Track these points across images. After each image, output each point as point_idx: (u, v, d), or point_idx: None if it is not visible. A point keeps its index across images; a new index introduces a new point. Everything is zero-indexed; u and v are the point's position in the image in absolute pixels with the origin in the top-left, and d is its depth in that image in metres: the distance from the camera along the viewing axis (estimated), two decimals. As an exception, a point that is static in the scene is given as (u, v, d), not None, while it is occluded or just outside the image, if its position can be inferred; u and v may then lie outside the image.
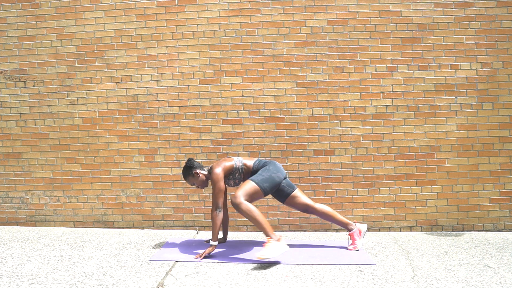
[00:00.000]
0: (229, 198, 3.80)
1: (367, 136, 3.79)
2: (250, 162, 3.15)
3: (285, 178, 3.14)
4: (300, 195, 3.16)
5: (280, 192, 3.15)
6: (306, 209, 3.17)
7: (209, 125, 3.83)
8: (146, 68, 3.85)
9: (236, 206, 2.86)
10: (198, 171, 3.09)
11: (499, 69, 3.74)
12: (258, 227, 2.84)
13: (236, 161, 3.10)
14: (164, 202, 3.87)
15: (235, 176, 3.11)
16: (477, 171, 3.77)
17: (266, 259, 2.68)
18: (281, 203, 3.46)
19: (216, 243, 2.91)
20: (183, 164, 3.83)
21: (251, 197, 2.93)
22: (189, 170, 3.10)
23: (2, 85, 3.92)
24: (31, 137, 3.92)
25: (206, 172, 3.13)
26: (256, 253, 2.84)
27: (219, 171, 2.97)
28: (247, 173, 3.14)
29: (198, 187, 3.16)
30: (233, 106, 3.82)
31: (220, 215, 2.92)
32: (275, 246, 2.73)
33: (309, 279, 2.49)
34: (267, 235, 2.81)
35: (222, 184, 2.95)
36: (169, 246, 3.23)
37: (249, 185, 2.94)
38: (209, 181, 3.13)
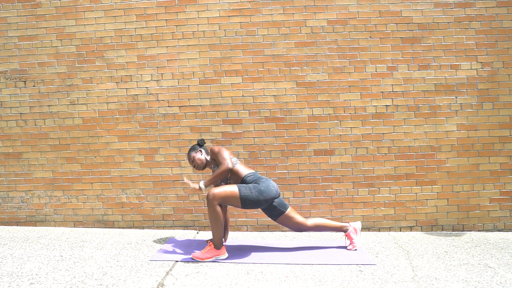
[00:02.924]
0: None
1: (367, 136, 3.79)
2: (244, 170, 3.03)
3: (277, 197, 3.01)
4: (292, 216, 3.06)
5: (271, 210, 3.05)
6: (300, 228, 3.09)
7: (209, 125, 3.83)
8: (146, 68, 3.85)
9: (209, 202, 2.81)
10: (203, 151, 3.14)
11: (499, 69, 3.74)
12: (213, 231, 2.86)
13: (231, 160, 3.03)
14: (164, 202, 3.87)
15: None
16: (477, 171, 3.77)
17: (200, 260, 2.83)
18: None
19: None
20: (183, 164, 3.83)
21: (225, 201, 2.86)
22: (196, 146, 3.16)
23: (2, 85, 3.92)
24: (31, 137, 3.92)
25: (208, 157, 3.15)
26: (194, 252, 2.91)
27: (221, 148, 3.00)
28: (236, 180, 3.03)
29: (194, 167, 3.14)
30: (233, 106, 3.82)
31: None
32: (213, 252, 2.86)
33: (309, 279, 2.49)
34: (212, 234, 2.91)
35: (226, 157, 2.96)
36: (169, 246, 3.24)
37: (231, 190, 2.85)
38: (206, 166, 3.16)
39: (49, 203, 3.93)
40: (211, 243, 2.90)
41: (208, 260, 2.84)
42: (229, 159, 2.95)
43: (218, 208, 2.83)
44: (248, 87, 3.82)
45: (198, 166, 3.13)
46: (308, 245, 3.28)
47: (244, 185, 2.91)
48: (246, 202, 2.87)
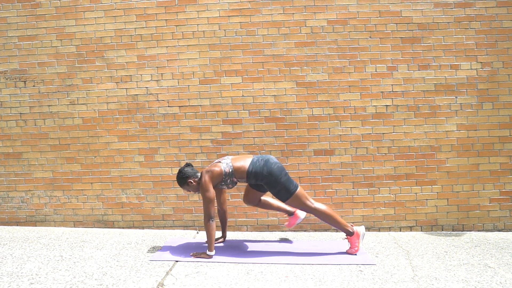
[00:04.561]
0: (228, 198, 3.80)
1: (367, 136, 3.79)
2: (243, 164, 2.97)
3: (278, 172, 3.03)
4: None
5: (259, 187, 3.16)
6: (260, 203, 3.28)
7: (209, 125, 3.83)
8: (146, 68, 3.85)
9: (314, 212, 2.98)
10: (192, 179, 3.02)
11: (499, 69, 3.74)
12: (332, 223, 3.01)
13: (225, 166, 2.96)
14: (164, 202, 3.87)
15: (227, 182, 3.01)
16: (477, 171, 3.77)
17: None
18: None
19: (213, 253, 2.90)
20: (183, 164, 3.83)
21: (305, 199, 2.96)
22: (183, 180, 3.04)
23: (2, 85, 3.92)
24: (31, 137, 3.92)
25: (198, 178, 3.05)
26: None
27: (206, 180, 2.91)
28: (242, 176, 2.99)
29: (195, 193, 3.15)
30: (233, 106, 3.82)
31: (213, 225, 2.89)
32: None
33: (309, 279, 2.49)
34: (343, 230, 3.03)
35: (211, 193, 2.89)
36: (169, 246, 3.24)
37: (296, 199, 2.95)
38: None
39: (49, 203, 3.93)
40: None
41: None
42: (211, 198, 2.90)
43: (320, 206, 2.99)
44: (248, 87, 3.82)
45: (198, 192, 3.11)
46: (308, 245, 3.28)
47: (279, 191, 2.94)
48: (293, 189, 2.96)
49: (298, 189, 2.95)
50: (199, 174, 3.07)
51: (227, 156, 3.10)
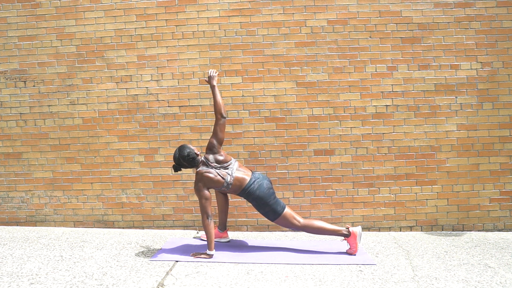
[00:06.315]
0: (229, 198, 3.80)
1: (367, 136, 3.79)
2: (245, 179, 2.99)
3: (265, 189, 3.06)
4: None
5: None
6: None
7: (209, 125, 3.83)
8: (146, 68, 3.85)
9: (303, 229, 3.04)
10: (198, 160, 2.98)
11: (499, 69, 3.74)
12: (325, 233, 3.06)
13: (229, 179, 2.96)
14: (164, 202, 3.87)
15: (228, 187, 3.01)
16: (477, 171, 3.77)
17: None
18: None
19: (213, 253, 2.90)
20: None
21: (292, 218, 3.02)
22: (181, 166, 2.98)
23: (2, 85, 3.92)
24: (31, 137, 3.92)
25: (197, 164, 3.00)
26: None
27: (201, 184, 2.91)
28: (235, 190, 3.02)
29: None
30: (233, 106, 3.82)
31: (212, 224, 2.89)
32: None
33: (309, 279, 2.49)
34: (338, 235, 3.05)
35: (206, 192, 2.90)
36: (169, 246, 3.24)
37: (283, 219, 3.02)
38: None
39: (49, 203, 3.93)
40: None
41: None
42: (207, 197, 2.90)
43: (306, 222, 3.03)
44: (248, 87, 3.82)
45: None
46: (308, 245, 3.28)
47: (268, 212, 3.01)
48: (279, 210, 3.02)
49: (285, 210, 3.03)
50: (199, 159, 2.99)
51: (233, 160, 3.08)
